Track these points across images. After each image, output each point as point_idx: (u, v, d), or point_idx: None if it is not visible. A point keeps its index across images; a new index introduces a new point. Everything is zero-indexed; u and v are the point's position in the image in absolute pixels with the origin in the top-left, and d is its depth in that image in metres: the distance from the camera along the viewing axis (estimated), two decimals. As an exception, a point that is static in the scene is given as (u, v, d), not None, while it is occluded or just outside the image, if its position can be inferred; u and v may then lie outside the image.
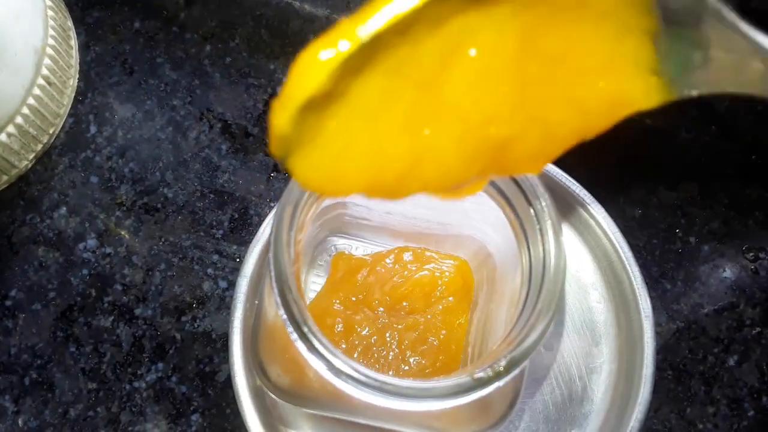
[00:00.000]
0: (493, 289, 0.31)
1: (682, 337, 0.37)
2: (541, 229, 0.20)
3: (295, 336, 0.19)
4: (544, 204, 0.20)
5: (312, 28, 0.40)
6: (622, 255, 0.34)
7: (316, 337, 0.19)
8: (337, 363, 0.19)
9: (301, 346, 0.19)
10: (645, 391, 0.32)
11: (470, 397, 0.19)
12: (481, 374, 0.19)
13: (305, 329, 0.19)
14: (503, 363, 0.19)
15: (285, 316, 0.19)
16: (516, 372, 0.19)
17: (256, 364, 0.24)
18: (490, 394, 0.20)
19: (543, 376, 0.34)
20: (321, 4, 0.41)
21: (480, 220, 0.29)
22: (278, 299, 0.20)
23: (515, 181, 0.21)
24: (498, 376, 0.19)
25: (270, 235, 0.20)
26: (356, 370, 0.19)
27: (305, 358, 0.19)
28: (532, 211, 0.21)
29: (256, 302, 0.25)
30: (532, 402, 0.34)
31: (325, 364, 0.19)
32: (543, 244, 0.20)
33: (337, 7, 0.41)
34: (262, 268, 0.33)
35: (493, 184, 0.22)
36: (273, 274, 0.20)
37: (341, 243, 0.35)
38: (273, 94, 0.39)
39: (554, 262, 0.20)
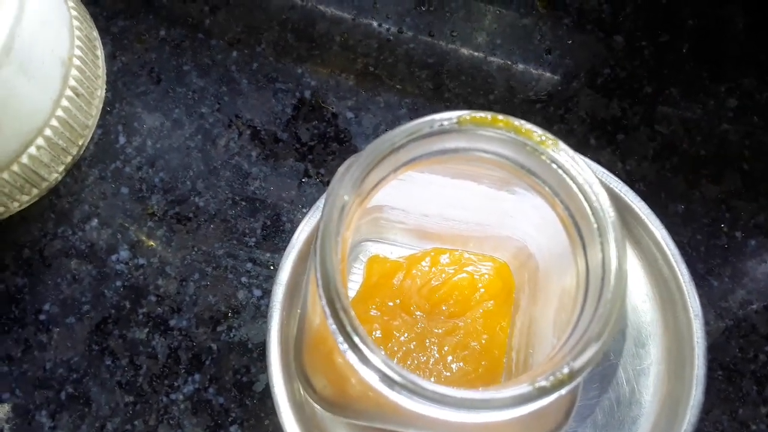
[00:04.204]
0: (536, 290, 0.31)
1: (732, 335, 0.35)
2: (599, 229, 0.19)
3: (345, 347, 0.19)
4: (602, 201, 0.19)
5: (338, 30, 0.40)
6: (667, 252, 0.33)
7: (368, 346, 0.18)
8: (392, 374, 0.18)
9: (352, 357, 0.19)
10: (697, 393, 0.31)
11: (531, 407, 0.18)
12: (543, 383, 0.18)
13: (356, 339, 0.19)
14: (566, 371, 0.18)
15: (334, 326, 0.19)
16: (579, 380, 0.18)
17: (300, 375, 0.23)
18: (547, 405, 0.19)
19: (588, 379, 0.33)
20: (347, 6, 0.40)
21: (521, 219, 0.28)
22: (327, 308, 0.19)
23: (569, 177, 0.20)
24: (561, 384, 0.18)
25: (313, 236, 0.19)
26: (412, 382, 0.18)
27: (356, 370, 0.19)
28: (588, 209, 0.20)
29: (298, 311, 0.25)
30: (577, 407, 0.33)
31: (379, 376, 0.18)
32: (602, 245, 0.19)
33: (363, 9, 0.40)
34: (297, 276, 0.32)
35: (543, 180, 0.21)
36: (320, 281, 0.19)
37: (375, 247, 0.34)
38: (301, 98, 0.38)
39: (616, 266, 0.19)
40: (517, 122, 0.20)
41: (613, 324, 0.18)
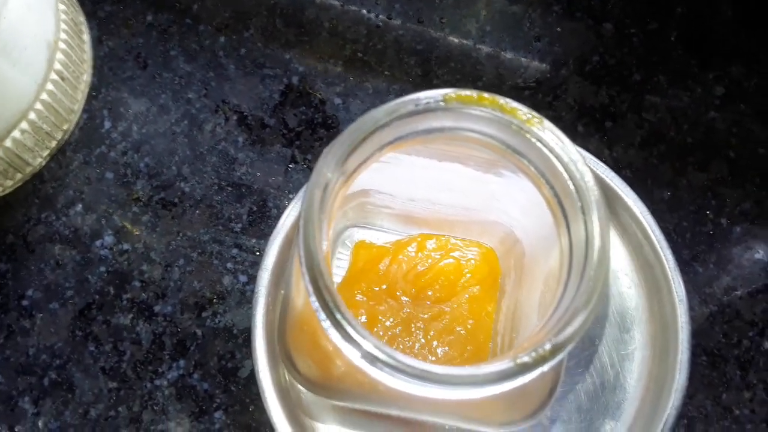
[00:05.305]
0: (522, 275, 0.31)
1: (716, 321, 0.36)
2: (583, 207, 0.19)
3: (327, 324, 0.18)
4: (586, 180, 0.19)
5: (327, 17, 0.39)
6: (653, 238, 0.33)
7: (350, 324, 0.18)
8: (374, 351, 0.18)
9: (334, 335, 0.19)
10: (681, 377, 0.31)
11: (513, 383, 0.18)
12: (525, 359, 0.18)
13: (338, 316, 0.18)
14: (548, 347, 0.18)
15: (317, 304, 0.19)
16: (561, 357, 0.18)
17: (284, 356, 0.23)
18: (530, 382, 0.19)
19: (574, 364, 0.33)
20: (335, -8, 0.40)
21: (508, 202, 0.28)
22: (309, 286, 0.19)
23: (554, 156, 0.20)
24: (543, 360, 0.18)
25: (298, 219, 0.19)
26: (393, 358, 0.18)
27: (339, 347, 0.19)
28: (572, 187, 0.20)
29: (282, 292, 0.24)
30: (562, 391, 0.33)
31: (360, 352, 0.18)
32: (585, 223, 0.19)
33: (351, -6, 0.40)
34: (282, 261, 0.32)
35: (528, 160, 0.21)
36: (303, 259, 0.19)
37: (361, 233, 0.34)
38: (289, 84, 0.38)
39: (599, 243, 0.19)
40: (503, 100, 0.20)
41: (596, 300, 0.18)
